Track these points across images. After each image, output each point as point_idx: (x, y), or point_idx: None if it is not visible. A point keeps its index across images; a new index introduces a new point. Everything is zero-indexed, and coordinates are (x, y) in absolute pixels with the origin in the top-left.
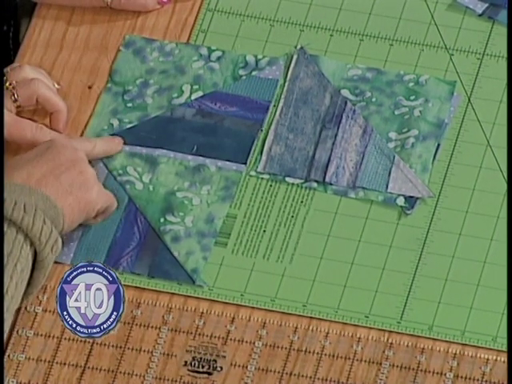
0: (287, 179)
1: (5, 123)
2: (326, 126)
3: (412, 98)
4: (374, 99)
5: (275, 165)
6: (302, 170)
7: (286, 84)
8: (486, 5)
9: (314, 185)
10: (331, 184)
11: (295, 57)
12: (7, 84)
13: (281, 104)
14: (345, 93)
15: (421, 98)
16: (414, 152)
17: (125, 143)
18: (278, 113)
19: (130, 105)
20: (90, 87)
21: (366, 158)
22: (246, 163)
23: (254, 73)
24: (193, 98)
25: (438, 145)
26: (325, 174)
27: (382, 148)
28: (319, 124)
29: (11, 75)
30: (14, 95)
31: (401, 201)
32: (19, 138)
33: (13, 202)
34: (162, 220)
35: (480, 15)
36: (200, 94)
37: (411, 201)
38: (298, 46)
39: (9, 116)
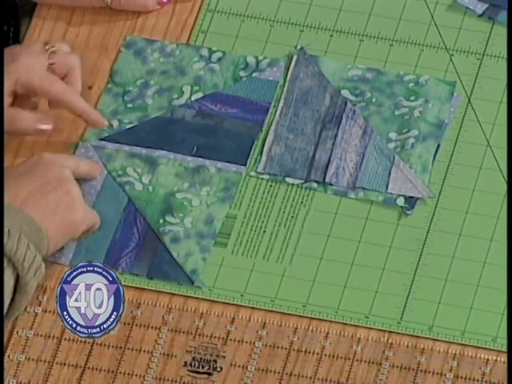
0: (287, 179)
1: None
2: (326, 126)
3: (412, 98)
4: (373, 100)
5: (275, 165)
6: (302, 171)
7: (286, 84)
8: (486, 5)
9: (314, 185)
10: (331, 184)
11: (295, 57)
12: (49, 46)
13: (281, 104)
14: (345, 93)
15: (421, 98)
16: (413, 152)
17: (125, 144)
18: (277, 113)
19: (130, 105)
20: (90, 87)
21: (366, 158)
22: (245, 164)
23: (254, 74)
24: (193, 99)
25: (438, 145)
26: (325, 174)
27: (382, 148)
28: (319, 124)
29: (54, 44)
30: (52, 58)
31: (401, 201)
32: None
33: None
34: (161, 221)
35: (480, 16)
36: (200, 95)
37: (411, 201)
38: (298, 47)
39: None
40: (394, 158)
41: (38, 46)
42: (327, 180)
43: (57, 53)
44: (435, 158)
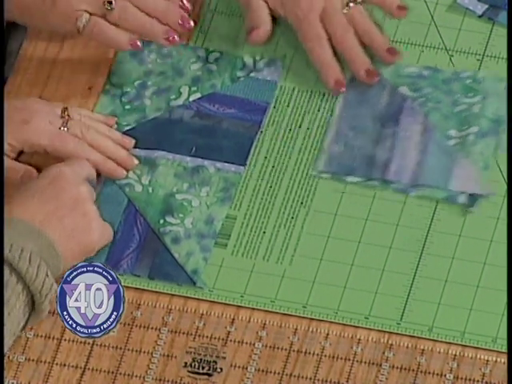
0: (348, 178)
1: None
2: (386, 124)
3: (470, 94)
4: (432, 96)
5: (335, 164)
6: (363, 169)
7: (345, 83)
8: (486, 6)
9: (375, 183)
10: (392, 182)
11: None
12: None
13: (340, 103)
14: (403, 89)
15: (479, 95)
16: (474, 149)
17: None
18: (337, 111)
19: (128, 107)
20: (90, 88)
21: (427, 155)
22: (244, 165)
23: (251, 74)
24: (191, 99)
25: (498, 142)
26: (386, 172)
27: (443, 145)
28: (379, 122)
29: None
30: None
31: (463, 198)
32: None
33: (19, 249)
34: (161, 221)
35: (480, 16)
36: (198, 95)
37: (473, 198)
38: None
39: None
40: (455, 154)
41: (57, 110)
42: (388, 178)
43: (73, 123)
44: (497, 154)
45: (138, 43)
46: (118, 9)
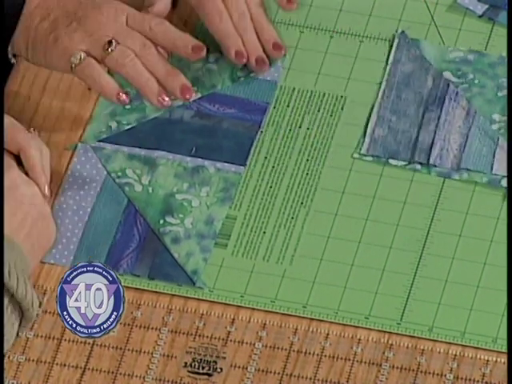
0: (390, 161)
1: None
2: (429, 108)
3: None
4: (476, 81)
5: (379, 147)
6: (406, 152)
7: (388, 67)
8: (486, 6)
9: (418, 167)
10: (435, 166)
11: (396, 41)
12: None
13: (383, 87)
14: (447, 75)
15: None
16: None
17: (123, 145)
18: (380, 95)
19: (128, 106)
20: (89, 89)
21: (470, 139)
22: (244, 165)
23: (252, 74)
24: (191, 99)
25: None
26: (429, 155)
27: (486, 130)
28: (422, 106)
29: None
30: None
31: (506, 182)
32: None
33: (7, 265)
34: (161, 221)
35: (480, 16)
36: (198, 95)
37: None
38: (399, 31)
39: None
40: (498, 139)
41: None
42: (431, 161)
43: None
44: None
45: (126, 98)
46: (117, 53)
